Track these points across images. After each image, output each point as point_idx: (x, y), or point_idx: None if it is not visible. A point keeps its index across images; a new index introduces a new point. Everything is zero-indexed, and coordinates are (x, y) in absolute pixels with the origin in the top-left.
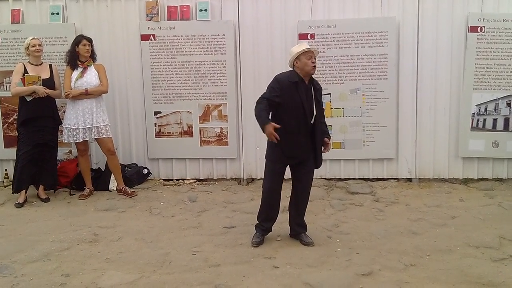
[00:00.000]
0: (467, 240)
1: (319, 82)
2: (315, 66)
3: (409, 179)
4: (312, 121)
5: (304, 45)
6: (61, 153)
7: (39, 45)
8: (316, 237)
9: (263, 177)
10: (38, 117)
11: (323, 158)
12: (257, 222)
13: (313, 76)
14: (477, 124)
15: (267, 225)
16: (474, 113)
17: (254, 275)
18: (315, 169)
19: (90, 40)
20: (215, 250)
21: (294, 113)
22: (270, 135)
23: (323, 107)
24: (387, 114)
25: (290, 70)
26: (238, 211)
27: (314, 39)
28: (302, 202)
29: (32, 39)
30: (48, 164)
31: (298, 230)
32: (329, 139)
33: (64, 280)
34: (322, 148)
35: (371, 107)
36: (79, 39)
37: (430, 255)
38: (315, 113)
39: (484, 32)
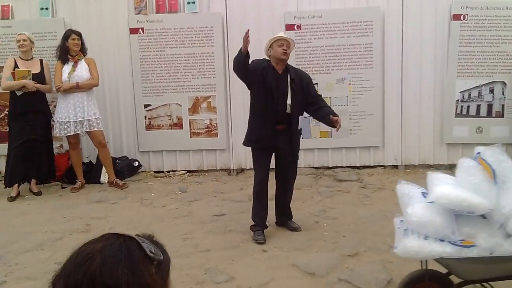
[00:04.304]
0: None
1: (306, 72)
2: (285, 52)
3: (395, 166)
4: (289, 111)
5: (278, 34)
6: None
7: (24, 40)
8: (304, 222)
9: (252, 167)
10: (28, 112)
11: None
12: (253, 223)
13: (293, 65)
14: (461, 110)
15: (261, 221)
16: (458, 100)
17: (243, 259)
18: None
19: (79, 34)
20: (205, 237)
21: (262, 97)
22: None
23: (315, 96)
24: (373, 103)
25: (263, 58)
26: (228, 200)
27: (300, 29)
28: (286, 192)
29: (18, 34)
30: (40, 159)
31: (283, 219)
32: (338, 116)
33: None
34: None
35: (357, 96)
36: (68, 34)
37: None
38: (289, 103)
39: (467, 20)
